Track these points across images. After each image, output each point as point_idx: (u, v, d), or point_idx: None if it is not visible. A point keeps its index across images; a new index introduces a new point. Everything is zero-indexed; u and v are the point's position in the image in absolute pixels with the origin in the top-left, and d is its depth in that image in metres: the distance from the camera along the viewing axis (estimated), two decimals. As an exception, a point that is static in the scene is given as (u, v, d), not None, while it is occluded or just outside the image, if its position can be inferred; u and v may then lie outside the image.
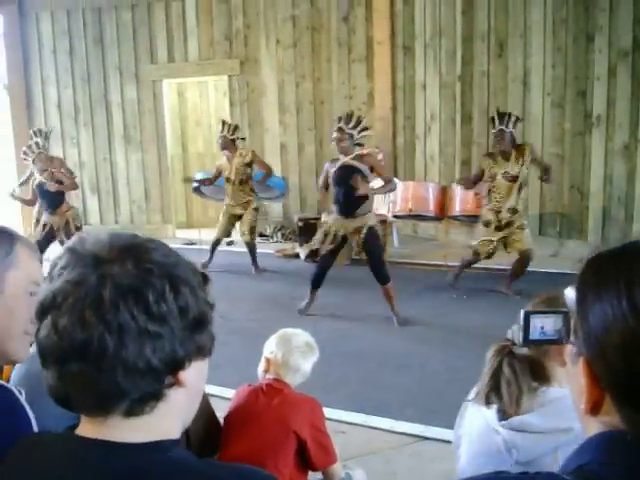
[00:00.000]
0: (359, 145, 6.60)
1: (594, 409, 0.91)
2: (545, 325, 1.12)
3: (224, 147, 8.65)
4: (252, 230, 8.83)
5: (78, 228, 8.46)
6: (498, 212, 7.07)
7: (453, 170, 10.10)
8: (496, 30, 9.51)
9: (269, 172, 8.79)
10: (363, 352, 5.76)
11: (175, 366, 1.04)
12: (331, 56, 11.15)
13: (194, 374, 1.08)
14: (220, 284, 7.85)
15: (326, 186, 6.87)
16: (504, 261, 8.15)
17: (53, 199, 8.40)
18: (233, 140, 8.68)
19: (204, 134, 13.23)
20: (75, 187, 8.88)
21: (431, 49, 10.28)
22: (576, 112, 8.74)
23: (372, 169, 6.47)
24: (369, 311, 6.63)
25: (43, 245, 8.13)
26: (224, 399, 4.06)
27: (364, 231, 6.40)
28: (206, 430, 2.53)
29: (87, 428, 1.06)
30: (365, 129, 6.65)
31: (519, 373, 1.95)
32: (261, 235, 11.29)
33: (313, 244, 6.91)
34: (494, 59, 9.58)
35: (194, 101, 13.25)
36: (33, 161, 8.31)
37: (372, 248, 6.48)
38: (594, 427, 0.93)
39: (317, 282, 6.85)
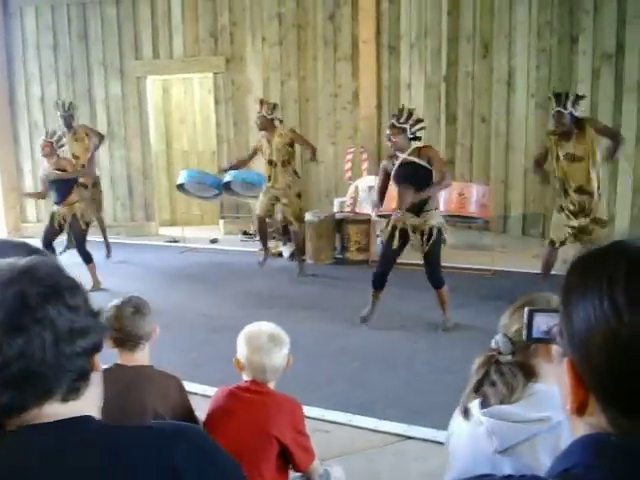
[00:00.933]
0: (416, 139, 6.29)
1: (579, 410, 0.92)
2: (549, 324, 1.14)
3: (263, 127, 8.39)
4: (298, 216, 8.61)
5: (87, 224, 8.26)
6: (567, 195, 6.66)
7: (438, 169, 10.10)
8: (481, 31, 9.54)
9: (314, 150, 8.48)
10: (348, 352, 5.77)
11: (97, 348, 1.23)
12: (317, 54, 11.15)
13: (98, 360, 1.26)
14: (202, 283, 7.87)
15: (385, 185, 6.51)
16: (484, 262, 8.19)
17: (59, 190, 8.12)
18: (272, 120, 8.39)
19: (188, 131, 13.20)
20: (78, 173, 8.57)
21: (416, 49, 10.30)
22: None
23: (430, 162, 6.11)
24: (354, 311, 6.63)
25: (49, 237, 8.12)
26: (206, 397, 4.05)
27: (427, 231, 6.14)
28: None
29: (18, 422, 1.16)
30: (419, 121, 6.32)
31: (509, 378, 1.98)
32: (245, 233, 11.29)
33: (381, 237, 6.78)
34: (479, 60, 9.61)
35: (179, 98, 13.21)
36: (42, 152, 8.20)
37: (432, 250, 6.20)
38: (580, 428, 0.93)
39: (378, 282, 6.43)
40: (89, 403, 1.22)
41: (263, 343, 2.64)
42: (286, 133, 8.38)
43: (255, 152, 8.58)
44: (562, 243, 6.70)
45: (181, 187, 9.42)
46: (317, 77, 11.19)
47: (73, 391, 1.18)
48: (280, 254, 9.72)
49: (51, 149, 8.10)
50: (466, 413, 2.04)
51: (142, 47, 11.70)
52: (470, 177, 9.58)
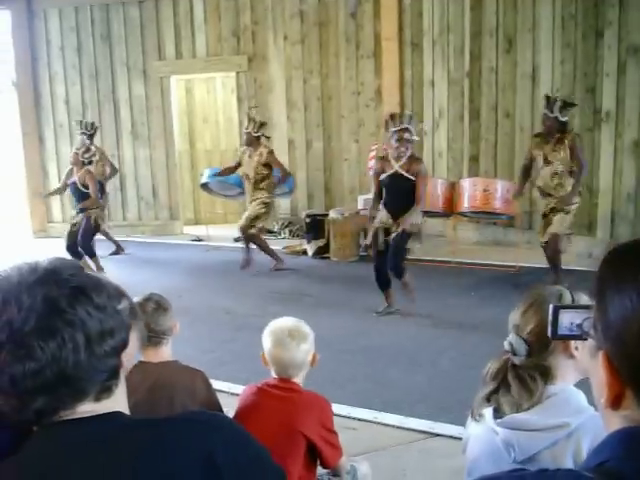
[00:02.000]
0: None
1: (615, 403, 0.90)
2: (574, 320, 1.12)
3: (248, 143, 8.53)
4: (251, 219, 8.56)
5: (97, 225, 8.83)
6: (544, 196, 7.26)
7: (461, 166, 10.07)
8: (505, 26, 9.48)
9: (284, 174, 8.71)
10: (372, 349, 5.75)
11: (124, 345, 1.24)
12: (339, 52, 11.14)
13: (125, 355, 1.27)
14: (226, 281, 7.89)
15: (380, 189, 6.60)
16: (509, 258, 8.16)
17: (80, 198, 8.75)
18: (258, 137, 8.52)
19: (211, 131, 13.25)
20: (94, 205, 8.81)
21: (439, 45, 10.25)
22: (585, 108, 8.69)
23: (416, 176, 6.30)
24: (377, 308, 6.61)
25: (71, 241, 8.66)
26: (232, 395, 4.06)
27: (399, 230, 6.32)
28: None
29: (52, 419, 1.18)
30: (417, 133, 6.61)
31: (529, 383, 1.93)
32: (269, 232, 11.29)
33: (366, 242, 6.88)
34: (502, 55, 9.55)
35: (202, 97, 13.27)
36: (71, 160, 8.86)
37: (397, 239, 6.34)
38: (615, 422, 0.92)
39: (381, 282, 6.63)
40: (119, 400, 1.24)
41: (283, 338, 2.65)
42: (265, 154, 8.47)
43: (240, 162, 8.73)
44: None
45: (205, 186, 9.46)
46: (340, 75, 11.18)
47: (106, 390, 1.20)
48: (305, 252, 9.72)
49: (76, 159, 8.67)
50: (479, 418, 2.01)
51: (165, 47, 11.75)
52: (495, 173, 9.52)
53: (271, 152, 8.61)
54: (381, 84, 10.93)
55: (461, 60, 9.98)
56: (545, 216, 7.20)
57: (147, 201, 12.19)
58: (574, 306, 1.19)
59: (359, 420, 4.35)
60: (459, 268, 8.40)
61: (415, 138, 6.45)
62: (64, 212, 12.35)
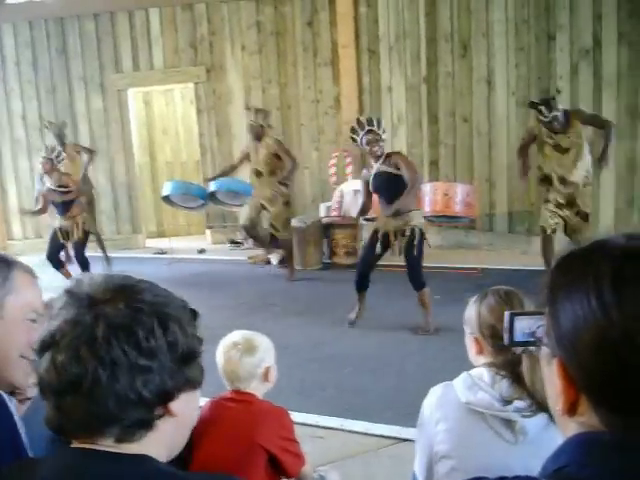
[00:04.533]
0: None
1: (570, 410, 0.91)
2: (531, 327, 1.13)
3: (257, 136, 8.30)
4: (285, 224, 8.55)
5: (86, 233, 8.47)
6: (552, 187, 6.94)
7: (421, 171, 10.14)
8: (459, 31, 9.60)
9: (294, 163, 8.43)
10: (339, 356, 5.77)
11: (165, 397, 1.12)
12: (296, 61, 11.17)
13: (184, 405, 1.15)
14: (191, 293, 7.87)
15: (370, 195, 6.60)
16: (472, 261, 8.23)
17: (62, 204, 8.36)
18: (262, 127, 8.32)
19: (172, 142, 13.19)
20: (79, 194, 8.57)
21: (395, 51, 10.34)
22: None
23: (398, 168, 6.26)
24: (344, 315, 6.64)
25: (54, 248, 8.34)
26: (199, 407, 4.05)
27: (407, 232, 6.21)
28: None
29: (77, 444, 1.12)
30: (385, 131, 6.57)
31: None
32: (232, 242, 11.29)
33: (363, 244, 6.88)
34: (458, 60, 9.66)
35: (161, 109, 13.20)
36: (42, 168, 8.42)
37: (412, 252, 6.19)
38: (571, 428, 0.92)
39: (361, 284, 6.48)
40: (151, 446, 1.13)
41: (228, 350, 2.63)
42: (271, 144, 8.27)
43: (245, 157, 8.53)
44: (553, 230, 6.87)
45: (166, 198, 9.38)
46: (298, 83, 11.22)
47: (127, 435, 1.10)
48: (269, 261, 9.72)
49: (52, 166, 8.31)
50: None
51: (122, 60, 11.68)
52: (454, 177, 9.62)
53: (278, 141, 8.47)
54: (339, 91, 10.98)
55: (418, 66, 10.08)
56: (568, 206, 6.89)
57: (108, 215, 12.08)
58: (529, 312, 1.21)
59: (327, 428, 4.36)
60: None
61: (384, 137, 6.45)
62: (24, 229, 12.21)
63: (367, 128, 6.40)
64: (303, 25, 11.05)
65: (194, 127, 11.91)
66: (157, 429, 1.12)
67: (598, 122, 6.86)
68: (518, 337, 1.21)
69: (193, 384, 1.18)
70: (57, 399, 1.08)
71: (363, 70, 10.80)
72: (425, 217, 8.35)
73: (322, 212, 9.82)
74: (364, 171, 6.73)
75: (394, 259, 8.87)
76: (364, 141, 6.40)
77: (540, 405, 1.97)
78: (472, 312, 2.20)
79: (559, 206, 6.87)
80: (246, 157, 8.52)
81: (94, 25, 11.63)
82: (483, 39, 9.34)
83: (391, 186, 6.27)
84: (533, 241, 8.83)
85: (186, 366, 1.14)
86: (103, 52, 11.69)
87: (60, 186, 8.27)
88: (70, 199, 8.32)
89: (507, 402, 2.00)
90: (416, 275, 6.24)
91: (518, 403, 2.00)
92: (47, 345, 1.08)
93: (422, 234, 6.22)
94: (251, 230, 8.60)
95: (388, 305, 7.06)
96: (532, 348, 1.92)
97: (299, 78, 11.20)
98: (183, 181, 9.65)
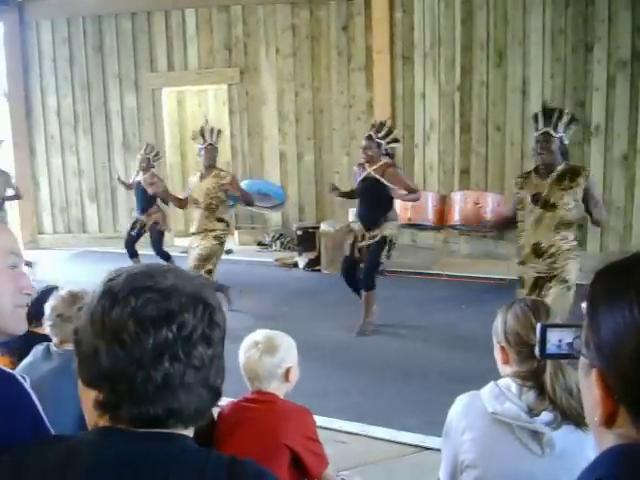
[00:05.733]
0: (388, 155, 6.60)
1: (608, 421, 0.90)
2: (563, 339, 1.11)
3: (212, 161, 7.16)
4: (203, 259, 6.95)
5: (161, 232, 9.17)
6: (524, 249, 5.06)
7: (452, 179, 10.10)
8: (495, 39, 9.54)
9: (248, 201, 7.52)
10: (364, 362, 5.75)
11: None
12: (330, 65, 11.17)
13: None
14: (220, 294, 7.84)
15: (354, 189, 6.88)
16: (500, 271, 8.16)
17: (144, 201, 8.98)
18: (216, 149, 7.28)
19: (203, 143, 13.22)
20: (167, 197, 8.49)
21: (430, 58, 10.30)
22: (575, 122, 8.75)
23: (392, 181, 6.37)
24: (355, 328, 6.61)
25: (131, 240, 9.06)
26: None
27: (376, 238, 6.45)
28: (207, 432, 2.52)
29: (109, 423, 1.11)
30: (395, 140, 6.68)
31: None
32: (260, 244, 11.30)
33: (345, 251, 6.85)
34: (493, 68, 9.60)
35: (193, 110, 13.27)
36: (139, 165, 9.08)
37: (371, 253, 6.47)
38: (609, 440, 0.91)
39: (353, 287, 6.76)
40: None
41: (249, 349, 2.62)
42: (228, 178, 7.14)
43: (190, 196, 7.37)
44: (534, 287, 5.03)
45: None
46: (331, 88, 11.21)
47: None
48: (296, 264, 9.71)
49: (148, 164, 8.93)
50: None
51: (157, 59, 11.76)
52: (485, 186, 9.55)
53: (234, 177, 7.37)
54: (372, 97, 10.96)
55: (452, 73, 10.03)
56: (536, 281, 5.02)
57: (138, 213, 12.15)
58: (562, 324, 1.18)
59: (350, 434, 4.34)
60: (450, 281, 8.41)
61: (385, 146, 6.54)
62: (54, 223, 12.32)
63: (367, 133, 6.64)
64: (338, 29, 11.06)
65: (226, 128, 11.94)
66: None
67: (598, 208, 4.88)
68: (550, 349, 1.19)
69: None
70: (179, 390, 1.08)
71: (397, 76, 10.77)
72: (454, 226, 8.34)
73: (351, 217, 9.79)
74: (354, 168, 6.96)
75: (419, 267, 8.85)
76: (361, 143, 6.68)
77: (565, 415, 1.95)
78: (498, 321, 2.20)
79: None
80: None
81: (131, 24, 11.73)
82: (519, 48, 9.27)
83: (374, 194, 6.45)
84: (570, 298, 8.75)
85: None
86: (138, 51, 11.78)
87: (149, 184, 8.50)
88: (153, 198, 8.68)
89: (534, 413, 1.98)
90: (369, 275, 6.49)
91: (545, 415, 1.97)
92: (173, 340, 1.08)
93: (389, 242, 6.47)
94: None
95: (414, 312, 7.02)
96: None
97: (332, 82, 11.20)
98: (259, 179, 9.60)
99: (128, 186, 9.58)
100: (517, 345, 2.09)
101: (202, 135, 7.22)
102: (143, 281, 1.10)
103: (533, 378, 2.03)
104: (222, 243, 7.14)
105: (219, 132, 7.43)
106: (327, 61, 11.18)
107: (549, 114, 4.85)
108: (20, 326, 1.52)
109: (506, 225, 5.63)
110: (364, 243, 6.50)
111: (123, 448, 1.07)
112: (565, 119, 4.81)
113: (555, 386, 1.96)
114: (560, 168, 4.82)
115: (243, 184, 7.98)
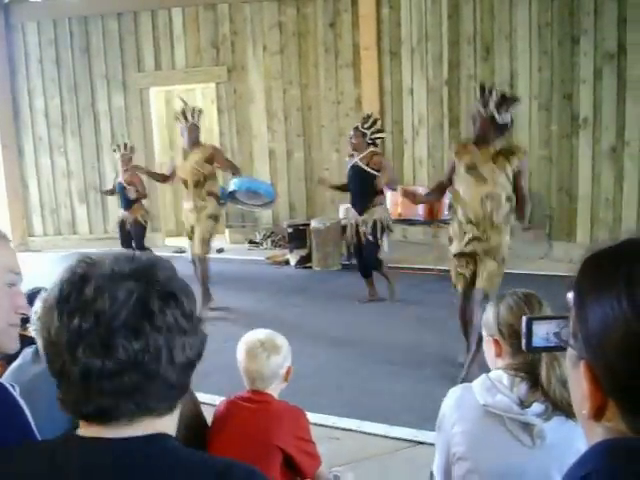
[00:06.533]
0: (373, 145, 7.18)
1: (597, 414, 0.88)
2: (549, 331, 1.10)
3: (196, 140, 7.20)
4: (206, 242, 7.25)
5: (145, 222, 9.31)
6: (461, 224, 5.06)
7: (442, 173, 10.11)
8: (482, 34, 9.56)
9: (236, 170, 7.64)
10: (357, 358, 5.76)
11: (199, 359, 1.15)
12: (318, 62, 11.17)
13: None
14: (213, 292, 7.87)
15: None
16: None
17: (128, 200, 9.10)
18: (198, 128, 7.28)
19: (192, 141, 13.19)
20: (144, 196, 9.34)
21: (417, 53, 10.32)
22: (563, 115, 8.79)
23: (379, 169, 7.01)
24: (362, 317, 6.63)
25: (126, 239, 9.21)
26: (214, 406, 4.05)
27: (371, 223, 7.06)
28: (192, 430, 2.50)
29: (90, 429, 1.08)
30: (379, 131, 7.30)
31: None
32: (251, 242, 11.30)
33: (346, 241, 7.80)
34: (480, 62, 9.63)
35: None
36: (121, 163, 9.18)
37: (367, 239, 7.10)
38: (597, 433, 0.90)
39: (363, 272, 7.41)
40: (174, 417, 1.14)
41: (254, 349, 2.61)
42: (208, 149, 7.30)
43: (174, 170, 7.55)
44: (465, 292, 5.12)
45: (231, 196, 8.83)
46: (319, 85, 11.22)
47: (174, 406, 1.12)
48: (287, 262, 9.71)
49: (130, 161, 9.07)
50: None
51: (144, 59, 11.73)
52: (475, 180, 9.56)
53: (215, 147, 7.62)
54: (361, 93, 10.97)
55: (439, 68, 10.05)
56: (466, 255, 5.03)
57: (128, 213, 12.13)
58: (548, 317, 1.18)
59: (343, 430, 4.35)
60: (441, 275, 8.42)
61: (372, 135, 7.14)
62: (45, 225, 12.29)
63: (356, 124, 7.27)
64: (325, 26, 11.06)
65: (215, 127, 11.94)
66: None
67: (522, 189, 4.91)
68: (536, 342, 1.17)
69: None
70: (111, 382, 1.03)
71: (384, 72, 10.78)
72: (444, 220, 8.37)
73: (341, 213, 9.80)
74: (346, 159, 7.57)
75: (410, 262, 8.87)
76: (350, 133, 7.27)
77: (557, 406, 1.96)
78: (490, 314, 2.20)
79: (461, 255, 5.09)
80: (175, 173, 7.54)
81: (117, 24, 11.70)
82: (506, 42, 9.29)
83: (361, 181, 7.08)
84: (553, 245, 8.79)
85: (203, 328, 1.16)
86: (125, 51, 11.75)
87: (129, 183, 8.98)
88: (135, 197, 9.00)
89: (525, 405, 1.99)
90: (370, 261, 7.21)
91: (536, 407, 1.99)
92: (88, 330, 1.02)
93: (383, 226, 7.09)
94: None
95: (408, 308, 7.04)
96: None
97: (320, 79, 11.20)
98: (249, 177, 9.58)
99: (112, 191, 9.78)
100: (510, 337, 2.09)
101: (184, 115, 7.25)
102: (74, 269, 1.09)
103: (527, 369, 2.03)
104: (217, 218, 7.42)
105: (200, 111, 7.39)
106: (315, 58, 11.18)
107: (482, 92, 4.94)
108: (12, 345, 1.52)
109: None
110: (362, 229, 7.10)
111: (105, 454, 1.05)
112: (495, 98, 4.85)
113: (551, 377, 1.97)
114: (499, 145, 4.90)
115: (232, 182, 7.99)
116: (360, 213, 7.14)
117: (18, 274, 1.50)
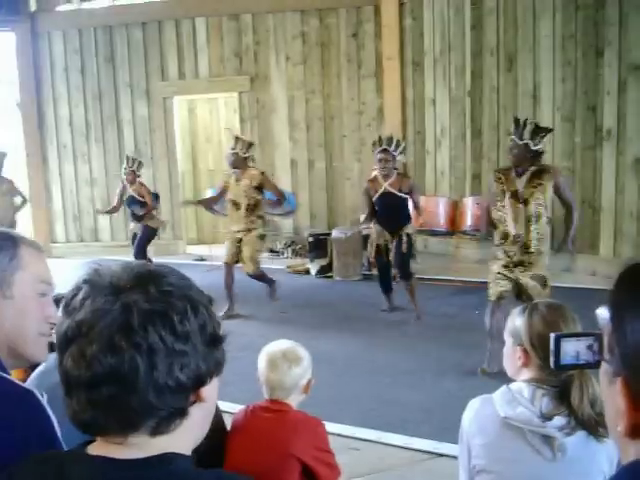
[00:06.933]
0: (395, 169, 7.11)
1: (633, 432, 0.85)
2: (578, 349, 1.08)
3: (235, 165, 7.65)
4: (253, 260, 7.71)
5: (154, 228, 9.49)
6: (504, 243, 5.58)
7: (464, 184, 10.09)
8: (505, 44, 9.53)
9: (281, 197, 7.98)
10: (376, 368, 5.74)
11: (199, 382, 1.07)
12: (341, 72, 11.19)
13: (211, 390, 1.12)
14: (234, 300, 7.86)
15: (372, 205, 7.19)
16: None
17: (137, 212, 9.28)
18: (245, 159, 7.73)
19: (214, 151, 13.28)
20: (152, 209, 9.44)
21: (440, 64, 10.30)
22: (587, 126, 8.72)
23: (409, 192, 6.99)
24: (383, 327, 6.61)
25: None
26: (232, 415, 4.05)
27: (403, 238, 6.98)
28: (215, 435, 2.50)
29: (102, 447, 1.07)
30: (402, 152, 7.30)
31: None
32: (272, 251, 11.31)
33: (369, 255, 7.64)
34: (504, 73, 9.59)
35: (204, 118, 13.31)
36: (126, 178, 9.23)
37: (401, 251, 6.97)
38: (632, 452, 0.87)
39: (385, 287, 7.37)
40: (181, 438, 1.09)
41: (276, 359, 2.61)
42: (257, 176, 7.66)
43: (224, 190, 7.91)
44: (500, 298, 5.63)
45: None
46: (341, 95, 11.23)
47: (162, 427, 1.05)
48: (307, 271, 9.71)
49: (134, 177, 9.13)
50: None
51: (168, 68, 11.82)
52: (497, 191, 9.51)
53: (263, 173, 7.89)
54: (383, 103, 10.98)
55: (462, 79, 10.03)
56: (512, 271, 5.57)
57: (150, 221, 12.20)
58: (576, 334, 1.16)
59: (363, 440, 4.33)
60: (462, 286, 8.39)
61: (398, 157, 7.12)
62: (67, 232, 12.39)
63: (381, 147, 6.99)
64: (348, 37, 11.08)
65: (241, 135, 11.97)
66: (189, 417, 1.08)
67: (568, 200, 5.61)
68: (565, 360, 1.16)
69: (220, 368, 1.14)
70: (90, 393, 1.02)
71: (407, 82, 10.78)
72: (465, 231, 8.33)
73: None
74: (365, 185, 7.32)
75: (430, 273, 8.83)
76: (376, 158, 7.02)
77: (583, 424, 1.94)
78: (520, 322, 2.13)
79: (506, 266, 5.59)
80: (224, 191, 7.92)
81: (142, 33, 11.80)
82: (529, 53, 9.25)
83: (394, 208, 6.98)
84: (576, 258, 8.71)
85: (215, 349, 1.11)
86: (150, 60, 11.85)
87: (139, 195, 9.12)
88: (145, 208, 9.19)
89: (547, 418, 1.97)
90: (407, 267, 7.06)
91: (558, 420, 1.96)
92: (71, 338, 1.03)
93: (411, 239, 7.09)
94: (229, 270, 7.84)
95: (425, 319, 7.00)
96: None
97: (343, 89, 11.22)
98: None
99: (111, 210, 9.95)
100: (543, 350, 2.06)
101: (235, 141, 7.83)
102: (81, 276, 1.10)
103: (553, 383, 2.01)
104: (264, 237, 7.90)
105: (250, 145, 7.91)
106: (337, 68, 11.20)
107: (516, 124, 5.53)
108: (41, 354, 1.55)
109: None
110: (392, 246, 7.04)
111: (99, 472, 1.04)
112: (529, 128, 5.46)
113: (583, 397, 1.94)
114: (532, 169, 5.42)
115: None
116: (392, 234, 7.09)
117: (50, 285, 1.53)
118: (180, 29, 11.69)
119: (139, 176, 9.28)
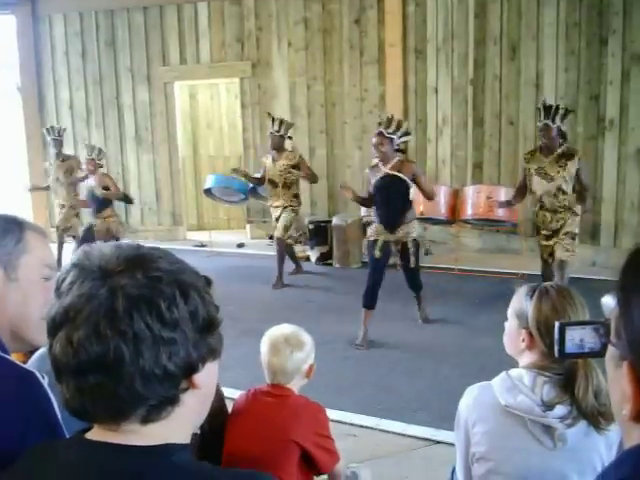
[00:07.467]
0: (399, 151, 6.32)
1: (639, 416, 0.86)
2: (583, 337, 1.07)
3: (277, 146, 8.20)
4: (285, 228, 8.30)
5: (117, 239, 8.70)
6: (538, 216, 6.53)
7: (465, 173, 10.06)
8: (508, 33, 9.48)
9: (314, 179, 8.55)
10: (375, 355, 5.75)
11: (190, 370, 1.05)
12: (343, 58, 11.14)
13: (206, 376, 1.10)
14: (229, 287, 7.89)
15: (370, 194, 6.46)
16: (512, 265, 8.14)
17: (97, 203, 8.87)
18: (283, 138, 8.26)
19: (215, 137, 13.25)
20: (119, 197, 9.20)
21: (443, 52, 10.25)
22: (589, 116, 8.70)
23: (414, 178, 6.15)
24: (382, 315, 6.60)
25: (82, 242, 8.61)
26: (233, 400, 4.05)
27: (409, 246, 6.20)
28: (216, 418, 2.50)
29: (99, 433, 1.06)
30: (406, 134, 6.38)
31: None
32: (271, 237, 11.29)
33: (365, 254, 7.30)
34: (506, 62, 9.55)
35: (205, 103, 13.27)
36: (87, 168, 8.98)
37: (410, 263, 6.25)
38: (636, 436, 0.87)
39: (369, 299, 6.20)
40: (177, 423, 1.08)
41: (278, 344, 2.61)
42: (294, 156, 8.25)
43: (265, 170, 8.43)
44: (546, 261, 6.60)
45: (208, 192, 9.45)
46: (343, 81, 11.18)
47: (153, 415, 1.04)
48: (308, 258, 9.71)
49: (95, 165, 8.84)
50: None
51: (169, 53, 11.77)
52: (498, 180, 9.51)
53: (301, 156, 8.42)
54: (385, 90, 10.92)
55: (465, 67, 9.98)
56: (550, 237, 6.46)
57: (150, 206, 12.19)
58: (581, 322, 1.15)
59: (361, 427, 4.34)
60: (462, 275, 8.39)
61: (398, 140, 6.23)
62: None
63: (378, 130, 6.25)
64: (350, 23, 11.02)
65: (238, 122, 11.96)
66: (182, 404, 1.06)
67: (584, 184, 6.29)
68: (569, 348, 1.15)
69: (215, 354, 1.12)
70: (77, 380, 1.01)
71: (409, 70, 10.73)
72: (466, 220, 8.32)
73: (363, 211, 9.77)
74: (367, 171, 6.57)
75: (434, 262, 8.83)
76: (373, 142, 6.26)
77: (585, 415, 1.93)
78: (528, 305, 2.09)
79: (546, 237, 6.51)
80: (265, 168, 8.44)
81: (143, 18, 11.75)
82: (532, 42, 9.20)
83: (395, 194, 6.15)
84: (576, 247, 8.70)
85: (208, 335, 1.09)
86: (151, 45, 11.79)
87: (104, 188, 8.80)
88: (107, 199, 8.87)
89: (548, 407, 1.96)
90: (417, 280, 6.46)
91: (559, 410, 1.95)
92: (60, 323, 1.02)
93: (418, 245, 6.36)
94: (281, 245, 8.39)
95: (426, 306, 7.00)
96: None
97: (345, 76, 11.17)
98: (225, 175, 9.69)
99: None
100: (551, 337, 2.03)
101: (272, 122, 8.30)
102: (71, 260, 1.11)
103: (557, 371, 2.00)
104: (297, 212, 8.54)
105: (289, 125, 8.50)
106: (339, 54, 11.15)
107: (548, 109, 6.23)
108: (43, 338, 1.53)
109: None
110: (394, 248, 6.30)
111: (109, 465, 1.03)
112: (561, 112, 6.22)
113: (588, 388, 1.93)
114: (560, 149, 6.23)
115: (209, 180, 9.03)
116: (392, 231, 6.20)
117: (54, 269, 1.54)
118: (182, 14, 11.63)
119: (101, 166, 9.03)
